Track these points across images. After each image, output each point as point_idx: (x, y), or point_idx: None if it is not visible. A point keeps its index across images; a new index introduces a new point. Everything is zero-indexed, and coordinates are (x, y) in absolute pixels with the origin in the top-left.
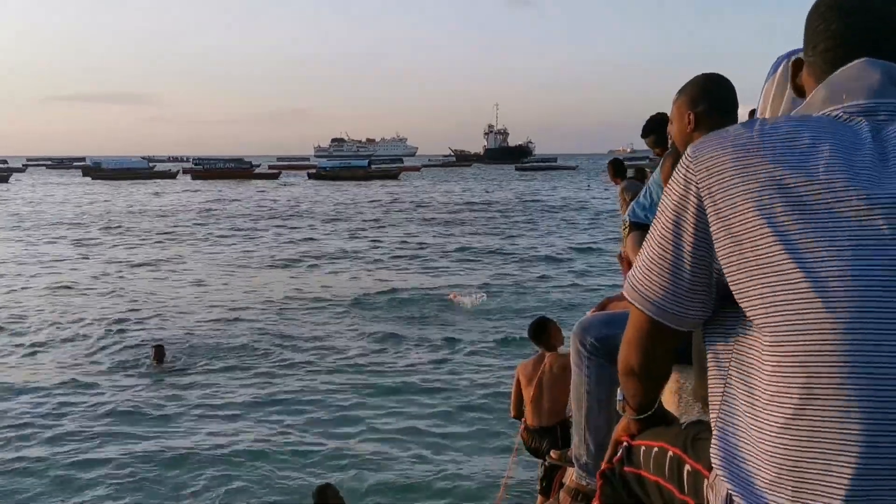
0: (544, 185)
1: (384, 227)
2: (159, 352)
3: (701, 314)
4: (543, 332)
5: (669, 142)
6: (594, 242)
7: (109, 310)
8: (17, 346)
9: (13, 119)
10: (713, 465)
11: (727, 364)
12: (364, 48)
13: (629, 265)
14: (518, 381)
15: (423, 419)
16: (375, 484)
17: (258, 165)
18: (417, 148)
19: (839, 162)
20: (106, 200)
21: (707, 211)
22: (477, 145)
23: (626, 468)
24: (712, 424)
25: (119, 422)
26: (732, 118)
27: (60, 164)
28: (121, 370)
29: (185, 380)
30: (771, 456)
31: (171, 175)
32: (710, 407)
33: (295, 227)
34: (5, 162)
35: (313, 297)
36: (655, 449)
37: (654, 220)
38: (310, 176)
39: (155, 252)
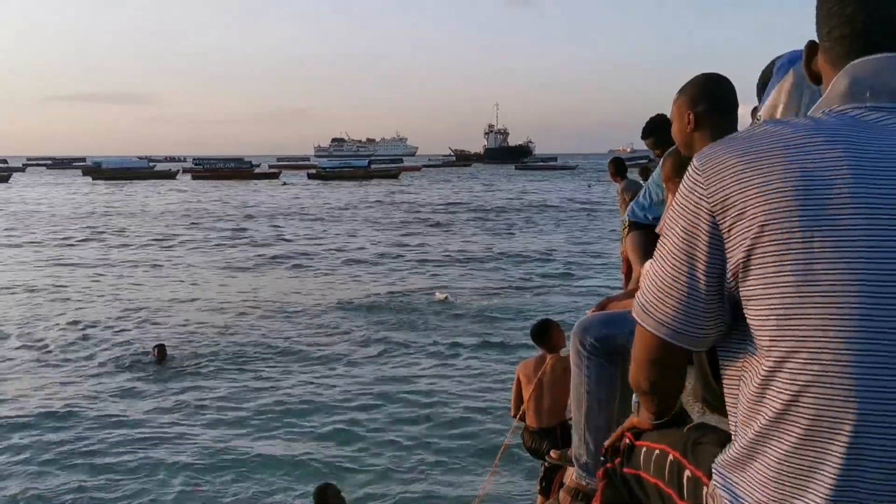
0: (544, 185)
1: (383, 229)
2: (161, 351)
3: (716, 333)
4: (545, 333)
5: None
6: (589, 242)
7: (111, 310)
8: (19, 347)
9: (13, 119)
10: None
11: (738, 378)
12: (364, 48)
13: (628, 264)
14: (518, 382)
15: (419, 423)
16: (373, 483)
17: (258, 165)
18: (417, 148)
19: (856, 170)
20: (106, 201)
21: (720, 227)
22: (477, 145)
23: (626, 469)
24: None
25: (123, 419)
26: (733, 118)
27: (60, 164)
28: (124, 370)
29: (187, 378)
30: (768, 479)
31: (171, 175)
32: (730, 421)
33: (294, 228)
34: (5, 162)
35: (313, 299)
36: (657, 451)
37: (662, 239)
38: (310, 176)
39: (154, 252)
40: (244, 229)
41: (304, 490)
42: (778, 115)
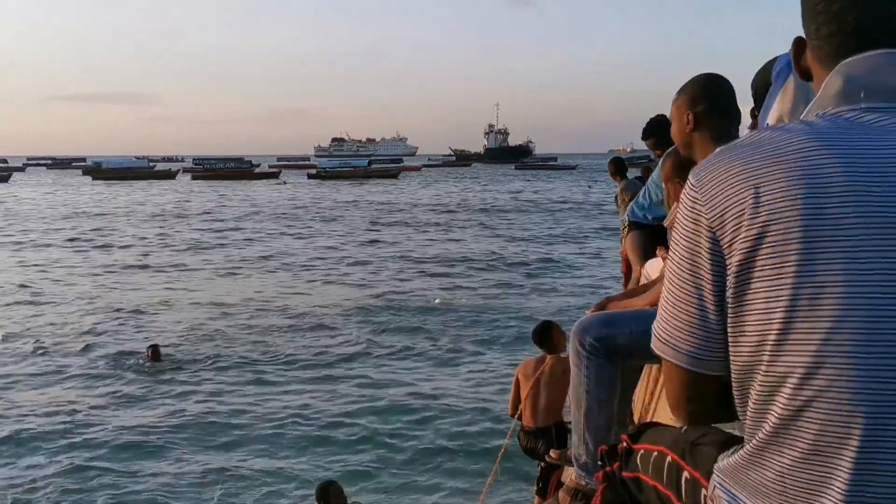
0: (544, 185)
1: (379, 229)
2: (155, 351)
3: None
4: (546, 334)
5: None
6: (588, 242)
7: (104, 309)
8: (15, 348)
9: (13, 118)
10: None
11: (744, 387)
12: (364, 48)
13: (628, 264)
14: (517, 381)
15: (419, 425)
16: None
17: (258, 165)
18: (418, 148)
19: (853, 175)
20: (105, 201)
21: (721, 242)
22: (477, 145)
23: (624, 472)
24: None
25: (119, 418)
26: (732, 118)
27: (60, 164)
28: (119, 369)
29: (181, 377)
30: (771, 492)
31: (171, 175)
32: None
33: (293, 228)
34: (5, 161)
35: (310, 299)
36: (655, 453)
37: (668, 262)
38: (310, 176)
39: (149, 252)
40: (242, 229)
41: (305, 491)
42: (787, 114)
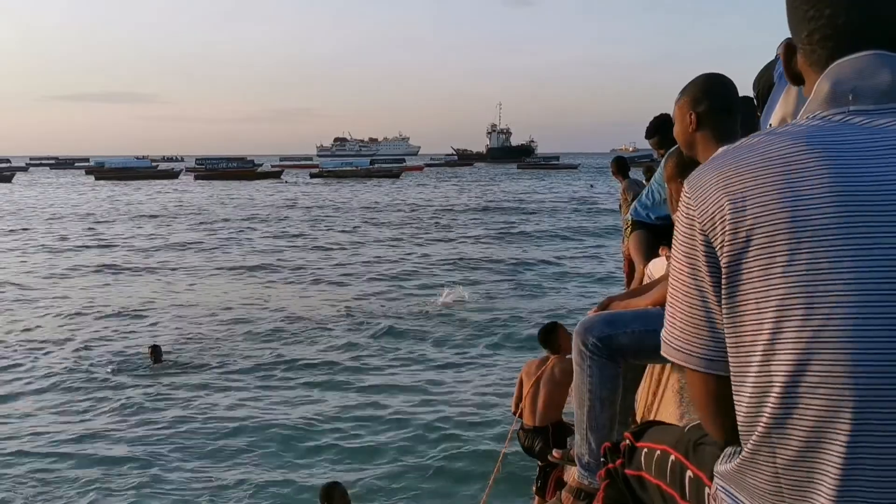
0: (546, 184)
1: (383, 229)
2: (156, 351)
3: None
4: (551, 334)
5: None
6: (590, 242)
7: (104, 311)
8: (14, 349)
9: (16, 118)
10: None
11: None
12: (366, 47)
13: (630, 264)
14: (520, 380)
15: (422, 429)
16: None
17: (261, 165)
18: (420, 147)
19: (839, 176)
20: (107, 201)
21: (714, 244)
22: (480, 144)
23: (627, 470)
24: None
25: (120, 419)
26: (735, 118)
27: (63, 163)
28: (120, 371)
29: (181, 377)
30: (766, 493)
31: (173, 175)
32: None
33: (296, 228)
34: (8, 161)
35: (312, 300)
36: (658, 452)
37: (671, 271)
38: (312, 175)
39: (153, 254)
40: (244, 230)
41: (308, 484)
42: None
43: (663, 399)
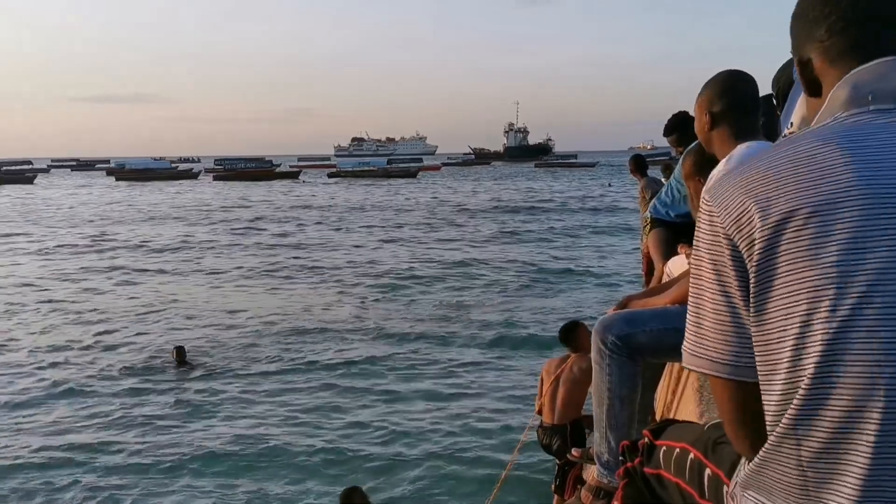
0: (564, 183)
1: (401, 229)
2: (180, 353)
3: None
4: (571, 333)
5: None
6: (608, 240)
7: (129, 312)
8: (35, 352)
9: (36, 121)
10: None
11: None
12: (385, 47)
13: (649, 262)
14: (542, 378)
15: (440, 430)
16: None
17: (279, 165)
18: (437, 146)
19: (862, 174)
20: (128, 202)
21: (739, 248)
22: (497, 144)
23: (646, 469)
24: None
25: (146, 420)
26: (754, 118)
27: (84, 165)
28: (144, 372)
29: (206, 380)
30: (791, 487)
31: (193, 175)
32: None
33: (314, 229)
34: (30, 163)
35: (327, 301)
36: (677, 450)
37: (693, 279)
38: (330, 175)
39: (173, 254)
40: (263, 230)
41: (329, 489)
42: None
43: (683, 397)
